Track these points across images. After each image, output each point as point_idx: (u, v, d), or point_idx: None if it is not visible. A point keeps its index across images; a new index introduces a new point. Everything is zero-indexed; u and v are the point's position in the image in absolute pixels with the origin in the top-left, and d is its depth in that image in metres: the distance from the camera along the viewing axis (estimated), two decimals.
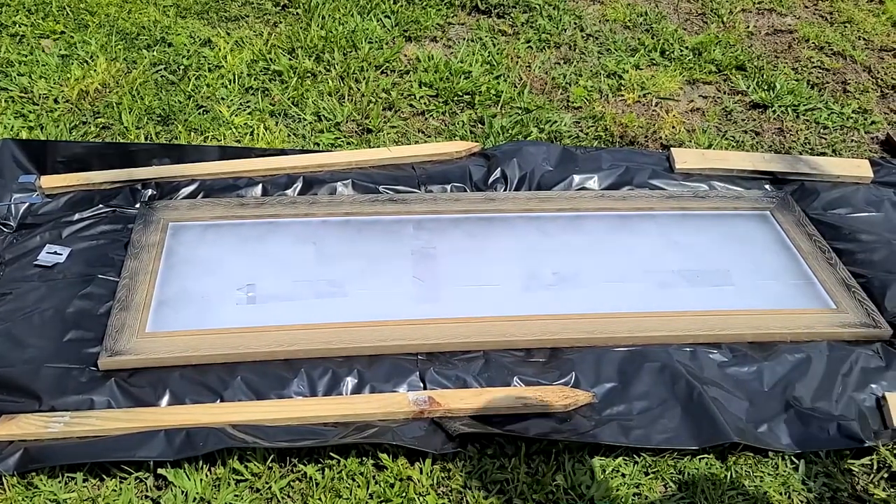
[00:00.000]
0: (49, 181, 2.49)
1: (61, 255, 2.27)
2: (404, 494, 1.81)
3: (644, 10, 3.75)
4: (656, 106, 3.17)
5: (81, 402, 1.91)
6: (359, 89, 3.06)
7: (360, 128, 2.90)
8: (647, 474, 1.91)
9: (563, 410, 1.98)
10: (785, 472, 1.93)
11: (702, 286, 2.36)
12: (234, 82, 3.04)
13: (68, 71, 3.01)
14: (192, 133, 2.80)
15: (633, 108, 3.15)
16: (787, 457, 1.96)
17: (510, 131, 2.91)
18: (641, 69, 3.36)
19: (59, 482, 1.79)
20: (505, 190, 2.64)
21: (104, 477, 1.81)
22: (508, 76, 3.21)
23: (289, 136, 2.84)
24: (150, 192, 2.51)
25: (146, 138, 2.76)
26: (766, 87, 3.29)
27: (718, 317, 2.24)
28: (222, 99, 2.96)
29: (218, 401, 1.95)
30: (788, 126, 3.11)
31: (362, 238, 2.42)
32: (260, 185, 2.56)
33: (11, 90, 2.90)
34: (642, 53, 3.44)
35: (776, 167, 2.79)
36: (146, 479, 1.81)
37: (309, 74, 3.13)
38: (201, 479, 1.81)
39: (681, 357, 2.13)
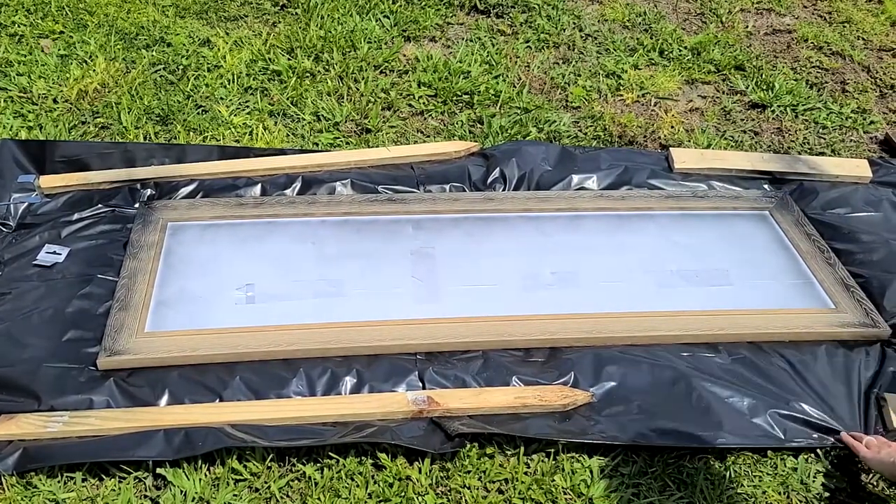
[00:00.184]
0: (48, 181, 2.49)
1: (60, 254, 2.27)
2: (403, 494, 1.81)
3: (643, 9, 3.75)
4: (655, 106, 3.17)
5: (80, 402, 1.91)
6: (358, 89, 3.06)
7: (359, 128, 2.90)
8: (645, 474, 1.91)
9: (562, 410, 1.98)
10: (784, 471, 1.93)
11: (701, 286, 2.36)
12: (233, 82, 3.04)
13: (67, 71, 3.01)
14: (191, 133, 2.80)
15: (631, 107, 3.15)
16: (785, 456, 1.96)
17: (509, 131, 2.91)
18: (640, 69, 3.36)
19: (59, 482, 1.79)
20: (504, 190, 2.64)
21: (103, 477, 1.81)
22: (507, 76, 3.22)
23: (288, 135, 2.84)
24: (149, 191, 2.51)
25: (145, 138, 2.76)
26: (764, 87, 3.29)
27: (717, 316, 2.24)
28: (221, 99, 2.96)
29: (217, 400, 1.95)
30: (787, 126, 3.12)
31: (361, 238, 2.42)
32: (259, 185, 2.56)
33: (10, 90, 2.90)
34: (641, 53, 3.44)
35: (775, 167, 2.79)
36: (145, 478, 1.81)
37: (308, 74, 3.13)
38: (200, 479, 1.81)
39: (680, 357, 2.14)
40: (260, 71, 3.12)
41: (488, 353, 2.11)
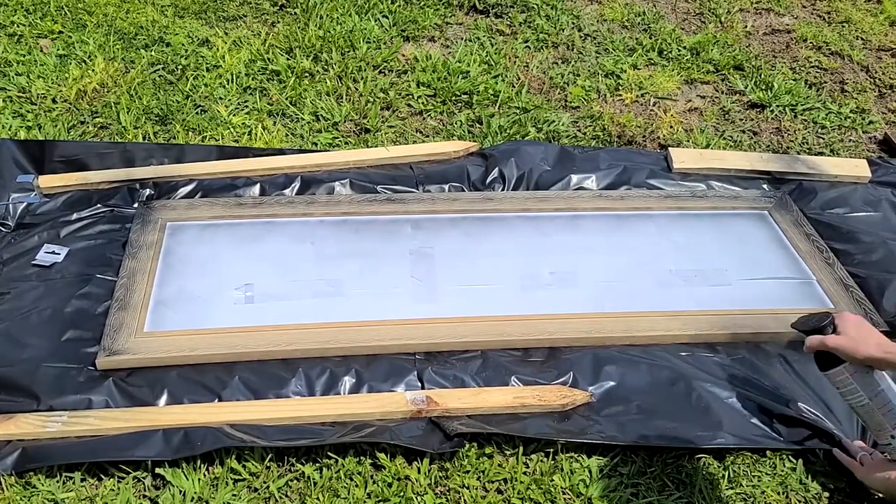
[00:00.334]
0: (47, 181, 2.49)
1: (59, 254, 2.27)
2: (402, 494, 1.81)
3: (642, 9, 3.76)
4: (654, 106, 3.17)
5: (79, 402, 1.91)
6: (357, 89, 3.06)
7: (358, 127, 2.90)
8: (644, 474, 1.91)
9: (560, 410, 1.98)
10: (783, 471, 1.93)
11: (700, 286, 2.36)
12: (232, 82, 3.04)
13: (66, 71, 3.01)
14: (190, 133, 2.80)
15: (630, 107, 3.15)
16: (784, 456, 1.96)
17: (508, 131, 2.91)
18: (639, 69, 3.36)
19: (57, 482, 1.79)
20: (503, 190, 2.64)
21: (102, 476, 1.81)
22: (506, 76, 3.22)
23: (287, 135, 2.84)
24: (148, 191, 2.51)
25: (144, 138, 2.76)
26: (763, 87, 3.29)
27: (716, 316, 2.25)
28: (220, 99, 2.96)
29: (216, 400, 1.95)
30: (786, 126, 3.12)
31: (360, 238, 2.42)
32: (258, 185, 2.56)
33: (9, 90, 2.90)
34: (640, 53, 3.44)
35: (774, 167, 2.79)
36: (144, 478, 1.81)
37: (307, 74, 3.13)
38: (199, 479, 1.81)
39: (678, 356, 2.14)
40: (259, 71, 3.13)
41: (487, 353, 2.11)
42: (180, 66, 3.10)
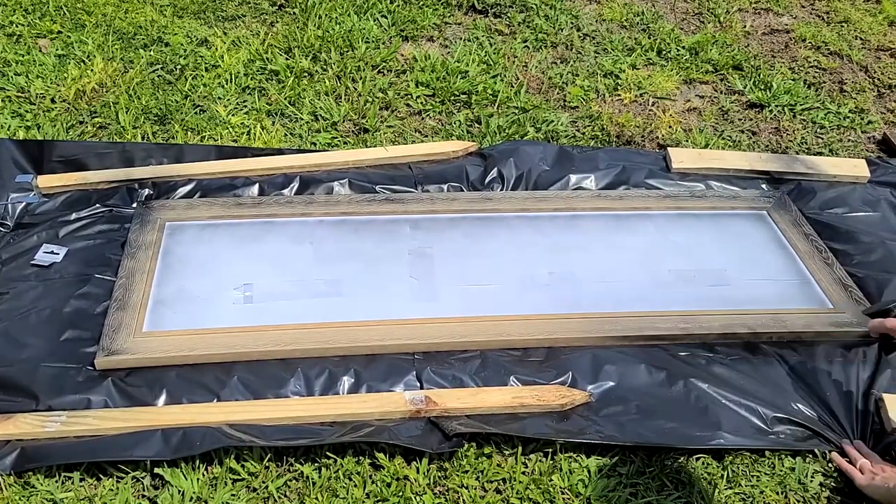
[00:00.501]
0: (46, 181, 2.49)
1: (58, 254, 2.27)
2: (401, 494, 1.81)
3: (641, 9, 3.76)
4: (653, 105, 3.17)
5: (78, 402, 1.91)
6: (355, 89, 3.06)
7: (357, 127, 2.90)
8: (643, 474, 1.91)
9: (559, 410, 1.99)
10: (781, 471, 1.93)
11: (698, 286, 2.36)
12: (231, 82, 3.04)
13: (65, 70, 3.01)
14: (189, 133, 2.80)
15: (629, 107, 3.15)
16: (783, 457, 1.96)
17: (507, 131, 2.91)
18: (638, 69, 3.37)
19: (56, 482, 1.79)
20: (501, 190, 2.64)
21: (101, 476, 1.81)
22: (505, 76, 3.22)
23: (285, 135, 2.84)
24: (146, 191, 2.51)
25: (143, 138, 2.76)
26: (762, 87, 3.29)
27: (715, 316, 2.24)
28: (219, 98, 2.96)
29: (215, 400, 1.95)
30: (785, 126, 3.12)
31: (359, 238, 2.42)
32: (257, 185, 2.56)
33: (8, 90, 2.90)
34: (639, 53, 3.44)
35: (773, 167, 2.79)
36: (143, 478, 1.81)
37: (306, 74, 3.13)
38: (198, 479, 1.81)
39: (677, 357, 2.14)
40: (258, 71, 3.12)
41: (486, 353, 2.11)
42: (179, 66, 3.10)
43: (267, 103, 2.97)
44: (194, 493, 1.79)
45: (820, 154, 2.98)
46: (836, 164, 2.83)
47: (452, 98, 3.07)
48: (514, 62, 3.32)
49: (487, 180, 2.66)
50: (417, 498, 1.81)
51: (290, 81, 3.06)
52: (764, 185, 2.76)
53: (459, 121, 2.95)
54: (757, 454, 1.96)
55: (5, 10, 3.32)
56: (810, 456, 1.97)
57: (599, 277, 2.36)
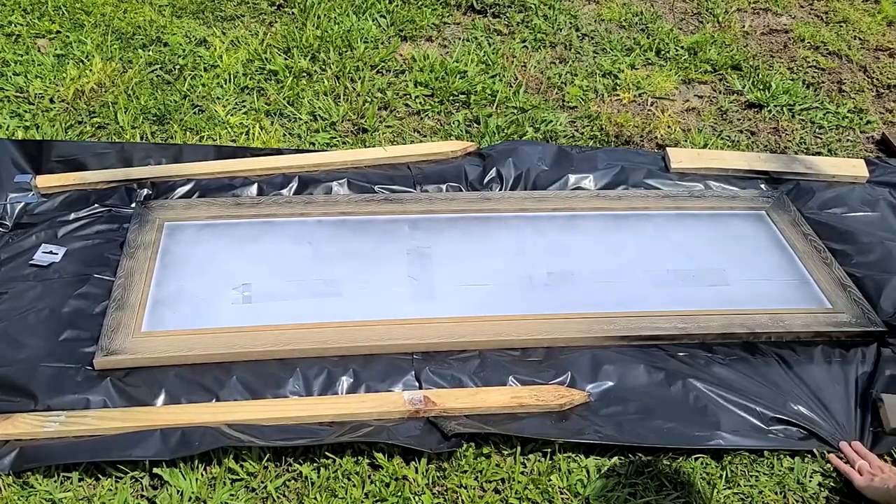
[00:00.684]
0: (45, 181, 2.49)
1: (57, 254, 2.27)
2: (400, 494, 1.81)
3: (639, 9, 3.76)
4: (652, 105, 3.17)
5: (77, 402, 1.91)
6: (354, 89, 3.06)
7: (356, 127, 2.90)
8: (642, 474, 1.91)
9: (558, 410, 1.99)
10: (780, 471, 1.93)
11: (697, 286, 2.36)
12: (230, 82, 3.04)
13: (64, 70, 3.01)
14: (188, 133, 2.80)
15: (628, 107, 3.15)
16: (782, 456, 1.96)
17: (506, 131, 2.91)
18: (637, 69, 3.37)
19: (55, 482, 1.78)
20: (500, 190, 2.64)
21: (100, 476, 1.81)
22: (504, 76, 3.22)
23: (284, 135, 2.84)
24: (145, 191, 2.51)
25: (142, 138, 2.76)
26: (761, 87, 3.29)
27: (714, 316, 2.24)
28: (218, 98, 2.96)
29: (213, 400, 1.95)
30: (784, 126, 3.12)
31: (358, 238, 2.41)
32: (256, 185, 2.56)
33: (7, 90, 2.90)
34: (638, 53, 3.44)
35: (772, 167, 2.80)
36: (142, 478, 1.81)
37: (304, 74, 3.12)
38: (197, 479, 1.81)
39: (676, 356, 2.14)
40: (256, 71, 3.12)
41: (485, 353, 2.11)
42: (178, 66, 3.10)
43: (266, 103, 2.96)
44: (193, 492, 1.78)
45: (819, 154, 2.98)
46: (835, 164, 2.83)
47: (451, 98, 3.07)
48: (512, 62, 3.32)
49: (486, 180, 2.66)
50: (416, 498, 1.81)
51: (289, 81, 3.06)
52: (763, 185, 2.76)
53: (458, 121, 2.95)
54: (756, 454, 1.96)
55: (4, 10, 3.32)
56: (809, 456, 1.97)
57: (598, 277, 2.36)
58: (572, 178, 2.68)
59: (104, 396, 1.92)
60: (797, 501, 1.89)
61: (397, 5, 3.59)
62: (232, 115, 2.90)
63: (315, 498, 1.80)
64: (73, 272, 2.23)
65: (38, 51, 3.12)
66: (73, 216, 2.41)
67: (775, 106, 3.19)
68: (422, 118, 2.98)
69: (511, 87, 3.17)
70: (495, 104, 3.05)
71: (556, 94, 3.18)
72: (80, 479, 1.80)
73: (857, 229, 2.57)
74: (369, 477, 1.85)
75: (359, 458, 1.87)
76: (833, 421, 2.02)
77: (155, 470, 1.81)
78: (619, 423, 1.97)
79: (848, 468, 1.90)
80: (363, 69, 3.17)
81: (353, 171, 2.65)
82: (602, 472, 1.90)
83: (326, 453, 1.87)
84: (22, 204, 2.43)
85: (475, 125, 2.96)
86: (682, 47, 3.50)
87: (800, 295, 2.36)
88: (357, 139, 2.85)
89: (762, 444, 1.96)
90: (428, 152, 2.74)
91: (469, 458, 1.89)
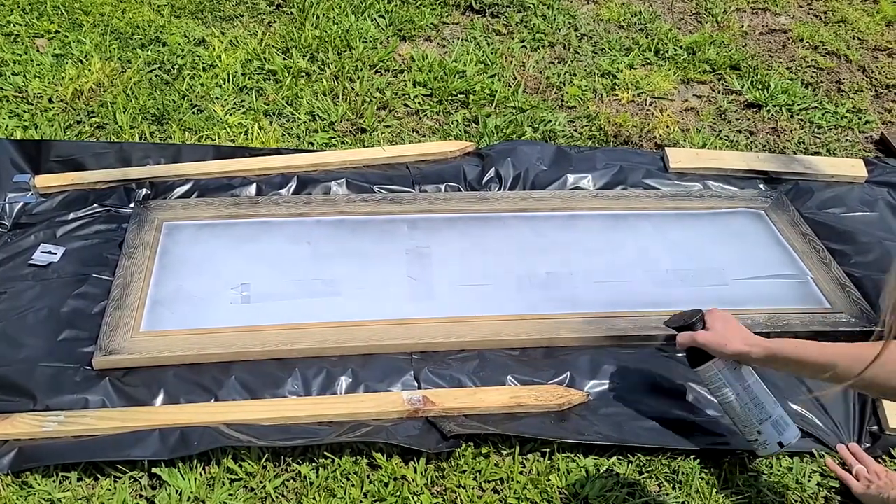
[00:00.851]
0: (43, 180, 2.49)
1: (56, 254, 2.27)
2: (398, 493, 1.81)
3: (638, 9, 3.76)
4: (650, 105, 3.17)
5: (76, 402, 1.91)
6: (353, 89, 3.06)
7: (355, 127, 2.90)
8: (641, 473, 1.91)
9: (557, 410, 1.99)
10: (779, 471, 1.93)
11: (696, 285, 2.36)
12: (229, 82, 3.04)
13: (63, 70, 3.01)
14: (187, 132, 2.80)
15: (627, 107, 3.15)
16: (781, 456, 1.96)
17: (504, 131, 2.91)
18: (636, 69, 3.37)
19: (54, 481, 1.78)
20: (499, 189, 2.64)
21: (98, 476, 1.81)
22: (503, 76, 3.22)
23: (283, 135, 2.84)
24: (144, 191, 2.51)
25: (140, 138, 2.76)
26: (760, 87, 3.29)
27: None
28: (217, 98, 2.96)
29: (212, 400, 1.95)
30: (783, 125, 3.12)
31: (356, 237, 2.41)
32: (254, 185, 2.56)
33: (6, 90, 2.90)
34: (636, 53, 3.44)
35: (770, 166, 2.80)
36: (140, 478, 1.81)
37: (303, 74, 3.12)
38: (196, 479, 1.81)
39: (675, 356, 2.14)
40: (255, 70, 3.12)
41: (484, 353, 2.11)
42: (177, 66, 3.10)
43: (264, 103, 2.96)
44: (192, 492, 1.78)
45: (817, 154, 2.98)
46: (834, 163, 2.84)
47: (450, 98, 3.07)
48: (511, 62, 3.32)
49: (485, 180, 2.66)
50: (415, 498, 1.81)
51: (288, 81, 3.06)
52: (762, 185, 2.76)
53: (457, 120, 2.96)
54: (754, 454, 1.96)
55: (2, 10, 3.31)
56: (808, 456, 1.97)
57: (597, 277, 2.36)
58: (571, 177, 2.69)
59: (103, 396, 1.92)
60: (796, 501, 1.89)
61: (396, 5, 3.59)
62: (231, 114, 2.89)
63: (314, 498, 1.80)
64: (72, 272, 2.23)
65: (37, 50, 3.12)
66: (71, 216, 2.41)
67: (774, 106, 3.20)
68: (420, 118, 2.98)
69: (510, 86, 3.17)
70: (494, 104, 3.05)
71: (555, 93, 3.18)
72: (78, 479, 1.80)
73: (856, 229, 2.57)
74: (368, 477, 1.85)
75: (357, 457, 1.87)
76: (831, 421, 2.02)
77: (154, 470, 1.81)
78: (618, 422, 1.97)
79: (844, 473, 1.90)
80: (362, 69, 3.17)
81: (352, 170, 2.65)
82: (601, 471, 1.90)
83: (325, 453, 1.87)
84: (21, 204, 2.43)
85: (474, 125, 2.96)
86: (681, 47, 3.50)
87: (799, 295, 2.36)
88: (356, 139, 2.85)
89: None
90: (427, 152, 2.74)
91: (468, 457, 1.89)
